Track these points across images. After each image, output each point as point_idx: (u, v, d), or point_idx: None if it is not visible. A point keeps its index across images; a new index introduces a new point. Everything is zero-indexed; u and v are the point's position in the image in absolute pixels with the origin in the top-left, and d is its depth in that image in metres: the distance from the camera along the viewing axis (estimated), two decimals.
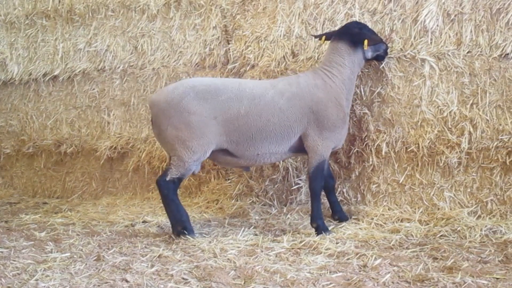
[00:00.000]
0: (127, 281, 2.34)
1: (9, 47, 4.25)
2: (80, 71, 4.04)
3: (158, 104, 2.76)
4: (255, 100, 2.74)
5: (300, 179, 3.40)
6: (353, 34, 2.88)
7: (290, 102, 2.77)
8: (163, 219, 3.30)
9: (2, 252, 2.82)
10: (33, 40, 4.19)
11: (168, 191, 2.77)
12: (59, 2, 4.05)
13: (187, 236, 2.77)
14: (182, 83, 2.81)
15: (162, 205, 3.38)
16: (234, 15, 3.59)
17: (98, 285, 2.30)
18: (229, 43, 3.62)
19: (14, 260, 2.68)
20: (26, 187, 4.35)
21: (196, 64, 3.71)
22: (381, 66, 3.18)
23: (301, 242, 2.70)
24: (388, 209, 3.15)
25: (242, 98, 2.73)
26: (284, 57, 3.39)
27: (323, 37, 2.98)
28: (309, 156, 2.85)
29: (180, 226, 2.79)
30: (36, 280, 2.37)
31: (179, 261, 2.54)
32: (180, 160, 2.74)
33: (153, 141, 3.79)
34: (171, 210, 2.81)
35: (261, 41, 3.46)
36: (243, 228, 2.99)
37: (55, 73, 4.12)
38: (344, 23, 3.19)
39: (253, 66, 3.46)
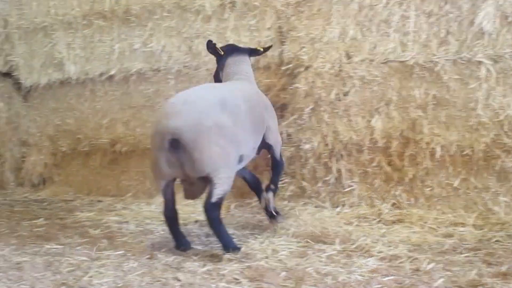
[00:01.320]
0: (179, 280, 2.88)
1: (67, 47, 5.60)
2: (135, 71, 5.29)
3: (201, 125, 3.17)
4: (249, 102, 3.58)
5: (353, 181, 4.44)
6: (248, 50, 4.07)
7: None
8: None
9: (57, 248, 3.62)
10: (89, 40, 5.50)
11: (217, 214, 3.24)
12: (116, 3, 5.30)
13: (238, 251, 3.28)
14: (200, 102, 3.27)
15: None
16: (288, 16, 4.69)
17: (151, 283, 2.86)
18: (283, 45, 4.73)
19: (69, 257, 3.38)
20: (82, 185, 5.68)
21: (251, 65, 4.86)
22: (436, 69, 4.17)
23: (352, 244, 3.38)
24: (442, 213, 4.05)
25: (243, 101, 3.52)
26: (338, 59, 4.47)
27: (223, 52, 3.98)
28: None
29: (232, 245, 3.30)
30: (90, 277, 2.98)
31: (231, 261, 3.14)
32: (225, 176, 3.25)
33: None
34: (221, 232, 3.29)
35: (315, 43, 4.51)
36: (293, 229, 3.77)
37: (111, 73, 5.39)
38: (399, 25, 4.24)
39: (307, 68, 4.54)
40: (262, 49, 4.12)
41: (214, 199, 3.21)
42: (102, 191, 5.58)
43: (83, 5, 5.51)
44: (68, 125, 5.75)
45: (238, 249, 3.28)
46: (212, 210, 3.22)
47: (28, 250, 3.60)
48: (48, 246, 3.67)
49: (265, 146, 3.89)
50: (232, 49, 4.04)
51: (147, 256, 3.35)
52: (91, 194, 5.60)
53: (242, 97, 3.55)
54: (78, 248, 3.62)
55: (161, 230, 4.00)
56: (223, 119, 3.27)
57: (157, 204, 4.80)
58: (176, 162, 3.21)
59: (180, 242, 3.44)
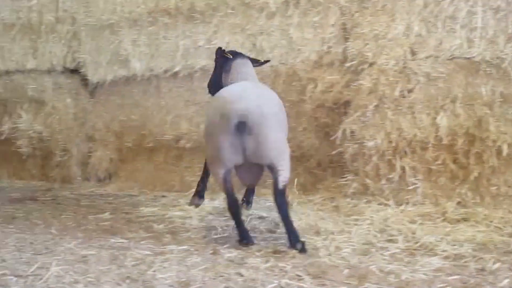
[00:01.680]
0: (241, 275, 3.07)
1: (132, 44, 6.16)
2: (199, 67, 5.77)
3: (265, 110, 3.53)
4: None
5: (418, 179, 4.74)
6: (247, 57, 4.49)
7: None
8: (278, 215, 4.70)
9: (122, 242, 3.89)
10: (155, 37, 6.03)
11: (286, 200, 3.52)
12: (181, 0, 5.85)
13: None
14: (257, 91, 3.81)
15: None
16: (352, 12, 5.03)
17: (214, 278, 3.06)
18: (347, 41, 5.08)
19: (134, 251, 3.63)
20: (146, 180, 6.22)
21: (314, 62, 5.25)
22: (503, 65, 4.42)
23: (416, 243, 3.58)
24: (508, 212, 4.28)
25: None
26: (403, 55, 4.79)
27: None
28: None
29: (299, 237, 3.56)
30: (154, 271, 3.19)
31: (293, 257, 3.36)
32: (287, 163, 3.57)
33: None
34: (290, 220, 3.54)
35: (379, 39, 4.84)
36: (356, 227, 4.02)
37: (176, 70, 5.89)
38: (465, 20, 4.52)
39: (371, 65, 4.87)
40: (262, 61, 4.60)
41: (281, 185, 3.52)
42: (166, 186, 6.10)
43: (149, 3, 6.03)
44: (133, 121, 6.32)
45: (302, 243, 3.52)
46: (282, 196, 3.52)
47: (94, 244, 3.93)
48: (114, 240, 3.98)
49: None
50: (237, 53, 4.45)
51: (210, 252, 3.60)
52: (155, 189, 6.12)
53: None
54: (142, 242, 3.91)
55: (224, 225, 4.29)
56: (278, 109, 3.71)
57: (220, 199, 5.14)
58: (240, 147, 3.49)
59: (244, 236, 3.68)
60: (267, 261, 3.32)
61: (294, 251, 3.48)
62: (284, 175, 3.57)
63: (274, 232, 4.07)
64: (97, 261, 3.49)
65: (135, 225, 4.50)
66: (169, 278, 3.11)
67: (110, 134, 6.53)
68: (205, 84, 5.69)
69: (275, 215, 4.35)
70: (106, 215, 4.88)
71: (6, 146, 7.03)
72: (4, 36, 7.00)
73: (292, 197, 5.11)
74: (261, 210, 4.76)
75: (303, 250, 3.49)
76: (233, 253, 3.53)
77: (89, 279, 3.16)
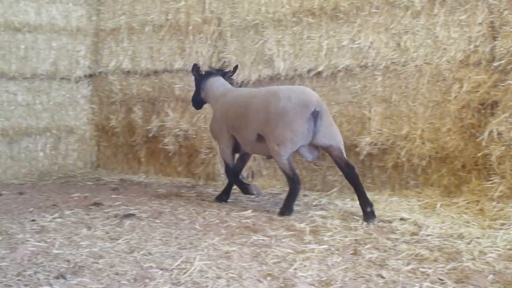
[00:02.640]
0: (382, 277, 3.40)
1: (276, 44, 7.25)
2: (343, 67, 6.70)
3: (324, 104, 5.60)
4: None
5: None
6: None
7: None
8: (421, 217, 4.98)
9: (264, 240, 4.43)
10: (298, 37, 7.06)
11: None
12: (325, 0, 6.83)
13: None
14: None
15: (420, 203, 5.65)
16: (501, 10, 5.67)
17: (354, 279, 3.41)
18: (495, 40, 5.73)
19: (275, 249, 4.11)
20: None
21: (460, 61, 5.96)
22: None
23: None
24: None
25: None
26: None
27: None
28: None
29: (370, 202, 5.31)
30: (295, 269, 3.59)
31: (435, 261, 3.71)
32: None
33: (413, 139, 6.20)
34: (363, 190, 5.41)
35: None
36: (502, 232, 4.45)
37: (319, 69, 6.88)
38: None
39: None
40: (231, 70, 6.69)
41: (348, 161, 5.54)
42: (308, 185, 7.13)
43: (293, 3, 7.08)
44: None
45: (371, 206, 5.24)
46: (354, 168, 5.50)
47: (236, 240, 4.48)
48: (255, 237, 4.53)
49: None
50: (210, 72, 6.71)
51: (351, 252, 4.05)
52: None
53: None
54: (284, 240, 4.43)
55: (365, 226, 4.94)
56: None
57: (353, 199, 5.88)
58: (312, 131, 5.39)
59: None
60: (408, 264, 3.73)
61: (436, 254, 3.96)
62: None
63: (416, 234, 4.61)
64: (239, 258, 3.97)
65: (276, 223, 5.13)
66: (310, 277, 3.52)
67: None
68: (348, 84, 6.63)
69: (417, 217, 5.19)
70: (249, 212, 5.60)
71: (153, 144, 8.51)
72: (153, 37, 8.49)
73: (436, 199, 5.83)
74: (403, 212, 5.45)
75: (372, 213, 5.20)
76: (374, 254, 3.97)
77: (231, 275, 3.61)
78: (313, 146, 5.60)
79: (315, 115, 5.36)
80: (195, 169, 8.11)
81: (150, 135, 8.47)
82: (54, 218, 5.48)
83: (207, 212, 5.70)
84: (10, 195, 6.99)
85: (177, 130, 8.10)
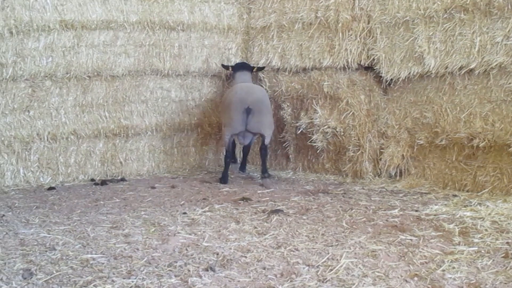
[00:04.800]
0: None
1: (427, 41, 7.57)
2: (496, 64, 6.91)
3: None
4: None
5: None
6: (247, 66, 9.19)
7: None
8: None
9: (411, 240, 4.60)
10: (450, 33, 7.31)
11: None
12: None
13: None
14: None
15: None
16: None
17: (505, 283, 3.48)
18: None
19: (422, 249, 4.27)
20: (437, 179, 7.59)
21: None
22: None
23: None
24: None
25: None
26: None
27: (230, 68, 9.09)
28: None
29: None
30: (443, 270, 3.73)
31: None
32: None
33: None
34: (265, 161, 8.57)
35: None
36: None
37: (471, 67, 7.10)
38: None
39: None
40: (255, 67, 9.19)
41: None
42: (458, 185, 7.41)
43: None
44: (426, 118, 7.75)
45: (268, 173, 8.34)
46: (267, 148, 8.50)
47: (383, 239, 4.69)
48: (403, 237, 4.73)
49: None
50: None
51: (502, 255, 4.13)
52: (446, 188, 7.48)
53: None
54: (432, 241, 4.59)
55: None
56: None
57: None
58: (245, 122, 8.07)
59: (224, 178, 8.32)
60: None
61: None
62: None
63: None
64: (385, 257, 4.18)
65: (424, 223, 5.30)
66: (458, 279, 3.65)
67: (403, 131, 8.06)
68: (502, 82, 6.89)
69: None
70: (396, 211, 5.83)
71: (302, 140, 9.14)
72: (303, 34, 9.09)
73: None
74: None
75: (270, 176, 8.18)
76: None
77: (378, 274, 3.81)
78: (249, 133, 8.23)
79: (248, 111, 7.90)
80: (343, 166, 8.59)
81: (299, 131, 9.06)
82: (204, 211, 6.03)
83: (353, 210, 6.00)
84: (163, 188, 7.70)
85: (326, 127, 8.58)
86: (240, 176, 8.90)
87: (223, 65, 9.33)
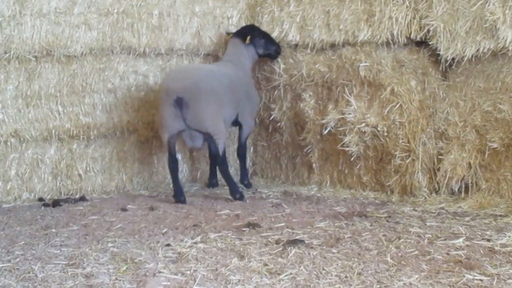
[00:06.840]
0: None
1: (502, 6, 7.44)
2: None
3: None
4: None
5: None
6: (243, 33, 9.28)
7: None
8: None
9: (481, 280, 4.66)
10: None
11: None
12: None
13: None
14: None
15: None
16: None
17: None
18: None
19: None
20: None
21: None
22: None
23: None
24: None
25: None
26: None
27: (230, 34, 9.43)
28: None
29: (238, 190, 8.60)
30: None
31: None
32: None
33: None
34: (229, 178, 8.87)
35: None
36: None
37: None
38: None
39: None
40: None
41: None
42: None
43: None
44: (501, 112, 7.72)
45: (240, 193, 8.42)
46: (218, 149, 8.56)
47: (442, 280, 4.73)
48: (470, 276, 4.76)
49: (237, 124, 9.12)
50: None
51: None
52: None
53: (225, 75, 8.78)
54: (509, 281, 4.66)
55: None
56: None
57: None
58: (180, 116, 8.28)
59: (177, 194, 8.40)
60: None
61: None
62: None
63: None
64: None
65: (499, 257, 5.33)
66: None
67: (469, 130, 8.03)
68: None
69: None
70: (460, 241, 5.84)
71: (330, 144, 9.12)
72: None
73: None
74: None
75: (241, 198, 8.38)
76: None
77: None
78: (197, 133, 8.38)
79: (179, 102, 7.97)
80: (387, 179, 8.54)
81: (326, 131, 9.00)
82: (195, 243, 6.03)
83: (402, 240, 6.00)
84: (138, 211, 7.77)
85: (363, 125, 8.51)
86: (246, 194, 8.86)
87: (227, 33, 9.84)
